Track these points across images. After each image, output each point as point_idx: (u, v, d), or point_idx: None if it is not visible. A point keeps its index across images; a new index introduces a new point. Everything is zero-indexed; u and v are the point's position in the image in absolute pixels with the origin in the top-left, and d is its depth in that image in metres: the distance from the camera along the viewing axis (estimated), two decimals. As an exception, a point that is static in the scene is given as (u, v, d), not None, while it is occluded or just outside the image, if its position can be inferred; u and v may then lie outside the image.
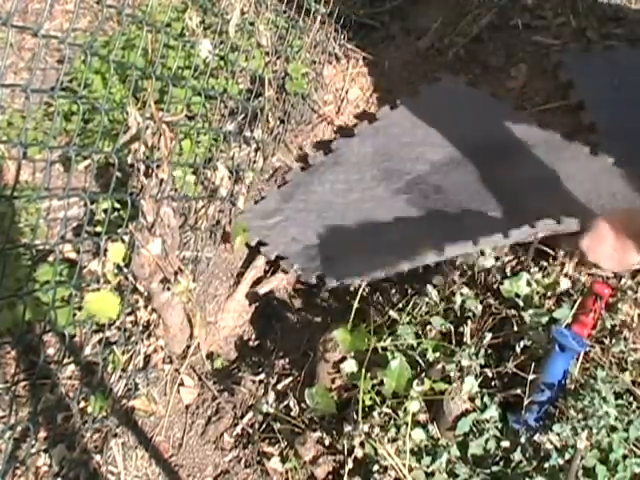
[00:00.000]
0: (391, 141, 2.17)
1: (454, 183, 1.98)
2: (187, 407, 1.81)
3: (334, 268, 1.84)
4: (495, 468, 1.36)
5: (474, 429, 1.41)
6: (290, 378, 1.74)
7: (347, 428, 1.46)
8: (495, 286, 1.55)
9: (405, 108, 2.26)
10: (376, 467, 1.44)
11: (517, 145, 2.01)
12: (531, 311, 1.45)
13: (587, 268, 1.55)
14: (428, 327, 1.52)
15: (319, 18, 2.40)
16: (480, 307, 1.50)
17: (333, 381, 1.57)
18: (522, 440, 1.36)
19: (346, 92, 2.45)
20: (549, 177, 1.88)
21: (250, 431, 1.69)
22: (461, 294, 1.52)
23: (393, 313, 1.56)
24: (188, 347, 1.86)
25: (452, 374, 1.43)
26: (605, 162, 1.91)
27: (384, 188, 2.03)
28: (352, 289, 1.78)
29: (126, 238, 1.63)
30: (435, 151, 2.09)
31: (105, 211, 1.86)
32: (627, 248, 1.53)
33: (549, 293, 1.50)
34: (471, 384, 1.41)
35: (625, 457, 1.29)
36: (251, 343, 1.93)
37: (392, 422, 1.45)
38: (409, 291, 1.68)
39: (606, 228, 1.55)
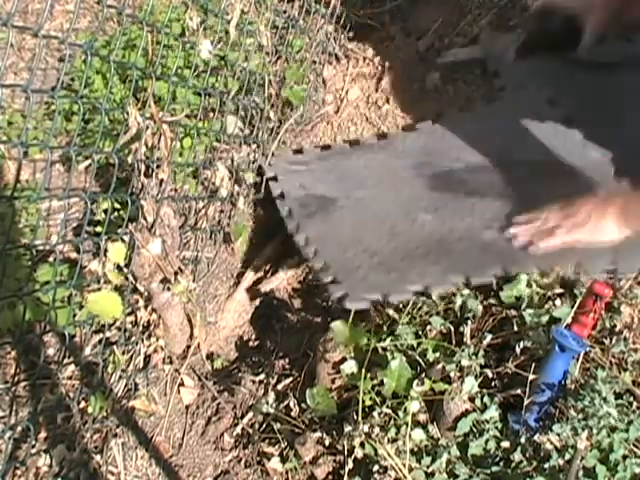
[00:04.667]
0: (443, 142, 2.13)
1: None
2: (187, 407, 1.81)
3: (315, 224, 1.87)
4: (495, 468, 1.36)
5: (474, 429, 1.41)
6: (290, 378, 1.74)
7: (347, 428, 1.46)
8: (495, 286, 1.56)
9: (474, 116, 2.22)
10: (376, 467, 1.44)
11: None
12: (531, 311, 1.45)
13: None
14: (428, 327, 1.52)
15: (319, 18, 2.40)
16: (480, 307, 1.50)
17: (333, 381, 1.57)
18: (522, 440, 1.36)
19: (346, 92, 2.45)
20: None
21: (250, 431, 1.69)
22: (461, 294, 1.52)
23: (393, 313, 1.56)
24: (188, 347, 1.86)
25: (452, 374, 1.42)
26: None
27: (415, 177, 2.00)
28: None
29: (126, 238, 1.63)
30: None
31: (105, 211, 1.86)
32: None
33: (549, 293, 1.50)
34: (471, 384, 1.41)
35: (625, 457, 1.29)
36: (251, 343, 1.93)
37: (392, 422, 1.45)
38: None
39: None
